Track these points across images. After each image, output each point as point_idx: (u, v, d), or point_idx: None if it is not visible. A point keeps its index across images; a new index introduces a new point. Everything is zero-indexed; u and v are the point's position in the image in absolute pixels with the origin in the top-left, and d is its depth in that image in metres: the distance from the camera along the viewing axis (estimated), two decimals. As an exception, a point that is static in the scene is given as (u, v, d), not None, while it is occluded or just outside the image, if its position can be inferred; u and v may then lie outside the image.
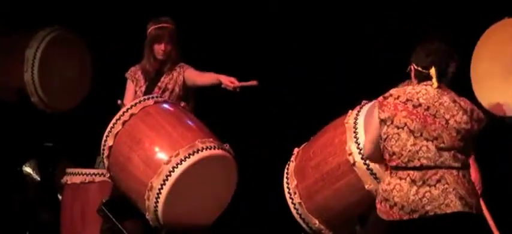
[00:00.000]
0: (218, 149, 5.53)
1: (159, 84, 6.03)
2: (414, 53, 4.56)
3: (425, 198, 4.35)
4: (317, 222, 5.42)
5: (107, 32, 7.64)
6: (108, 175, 5.80)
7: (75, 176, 6.41)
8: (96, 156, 6.56)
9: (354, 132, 5.20)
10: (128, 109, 5.65)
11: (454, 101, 4.43)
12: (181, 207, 5.48)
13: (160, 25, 6.01)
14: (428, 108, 4.41)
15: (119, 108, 5.73)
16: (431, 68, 4.46)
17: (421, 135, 4.38)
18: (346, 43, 7.20)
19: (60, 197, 6.70)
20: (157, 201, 5.41)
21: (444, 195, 4.34)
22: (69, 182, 6.43)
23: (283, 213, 5.57)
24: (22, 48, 7.43)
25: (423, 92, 4.44)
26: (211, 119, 5.81)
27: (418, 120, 4.39)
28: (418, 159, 4.37)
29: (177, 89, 6.01)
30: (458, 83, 4.61)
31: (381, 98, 4.50)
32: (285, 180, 5.55)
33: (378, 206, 4.47)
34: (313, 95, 7.31)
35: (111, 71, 6.78)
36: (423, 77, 4.49)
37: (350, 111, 5.36)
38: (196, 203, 5.55)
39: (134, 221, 5.81)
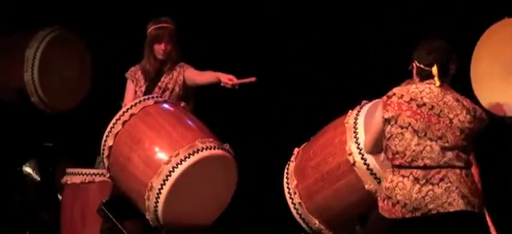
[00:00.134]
0: (218, 149, 5.53)
1: (159, 84, 6.03)
2: (416, 50, 4.55)
3: (428, 197, 4.35)
4: (317, 222, 5.41)
5: (107, 32, 7.64)
6: (108, 175, 5.81)
7: (75, 176, 6.41)
8: (96, 156, 6.56)
9: (354, 132, 5.20)
10: (128, 109, 5.65)
11: (457, 100, 4.43)
12: (181, 207, 5.48)
13: (160, 25, 6.01)
14: (432, 107, 4.41)
15: (119, 108, 5.74)
16: (434, 65, 4.46)
17: (425, 135, 4.38)
18: (346, 43, 7.20)
19: (60, 197, 6.70)
20: (157, 201, 5.41)
21: (447, 193, 4.34)
22: (69, 182, 6.43)
23: (283, 213, 5.57)
24: (22, 48, 7.42)
25: (427, 90, 4.44)
26: (211, 119, 5.81)
27: (422, 120, 4.39)
28: (422, 159, 4.37)
29: (177, 89, 6.02)
30: (458, 83, 4.61)
31: (384, 98, 4.49)
32: (285, 180, 5.55)
33: (380, 204, 4.47)
34: (313, 95, 7.31)
35: (111, 71, 6.77)
36: (425, 75, 4.49)
37: (350, 111, 5.36)
38: (196, 203, 5.55)
39: (134, 221, 5.81)
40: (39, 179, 7.37)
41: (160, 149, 5.50)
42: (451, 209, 4.33)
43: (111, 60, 7.35)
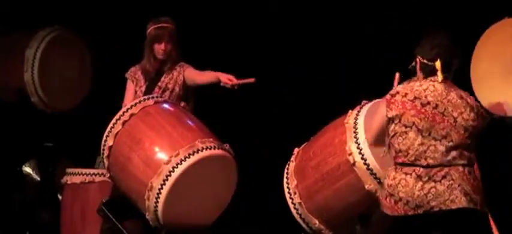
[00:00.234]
0: (218, 149, 5.53)
1: (159, 83, 6.03)
2: (419, 45, 4.56)
3: (430, 194, 4.35)
4: (317, 222, 5.41)
5: (107, 32, 7.64)
6: (108, 175, 5.81)
7: (75, 176, 6.41)
8: (96, 156, 6.56)
9: (354, 132, 5.20)
10: (128, 109, 5.65)
11: (461, 97, 4.43)
12: (181, 207, 5.48)
13: (160, 25, 6.01)
14: (436, 106, 4.41)
15: (119, 108, 5.74)
16: (437, 60, 4.46)
17: (430, 134, 4.38)
18: (346, 43, 7.20)
19: (60, 197, 6.70)
20: (157, 201, 5.41)
21: (449, 191, 4.34)
22: (69, 182, 6.43)
23: (283, 213, 5.57)
24: (22, 48, 7.42)
25: (431, 89, 4.44)
26: (211, 119, 5.81)
27: (426, 119, 4.39)
28: (425, 159, 4.37)
29: (177, 89, 6.01)
30: (459, 83, 4.61)
31: (388, 96, 4.50)
32: (285, 180, 5.55)
33: (383, 201, 4.47)
34: (313, 95, 7.30)
35: (111, 71, 6.77)
36: (429, 70, 4.48)
37: (350, 111, 5.36)
38: (196, 203, 5.55)
39: (134, 221, 5.81)
40: (39, 179, 7.37)
41: (160, 149, 5.50)
42: (453, 206, 4.34)
43: (111, 60, 7.35)
